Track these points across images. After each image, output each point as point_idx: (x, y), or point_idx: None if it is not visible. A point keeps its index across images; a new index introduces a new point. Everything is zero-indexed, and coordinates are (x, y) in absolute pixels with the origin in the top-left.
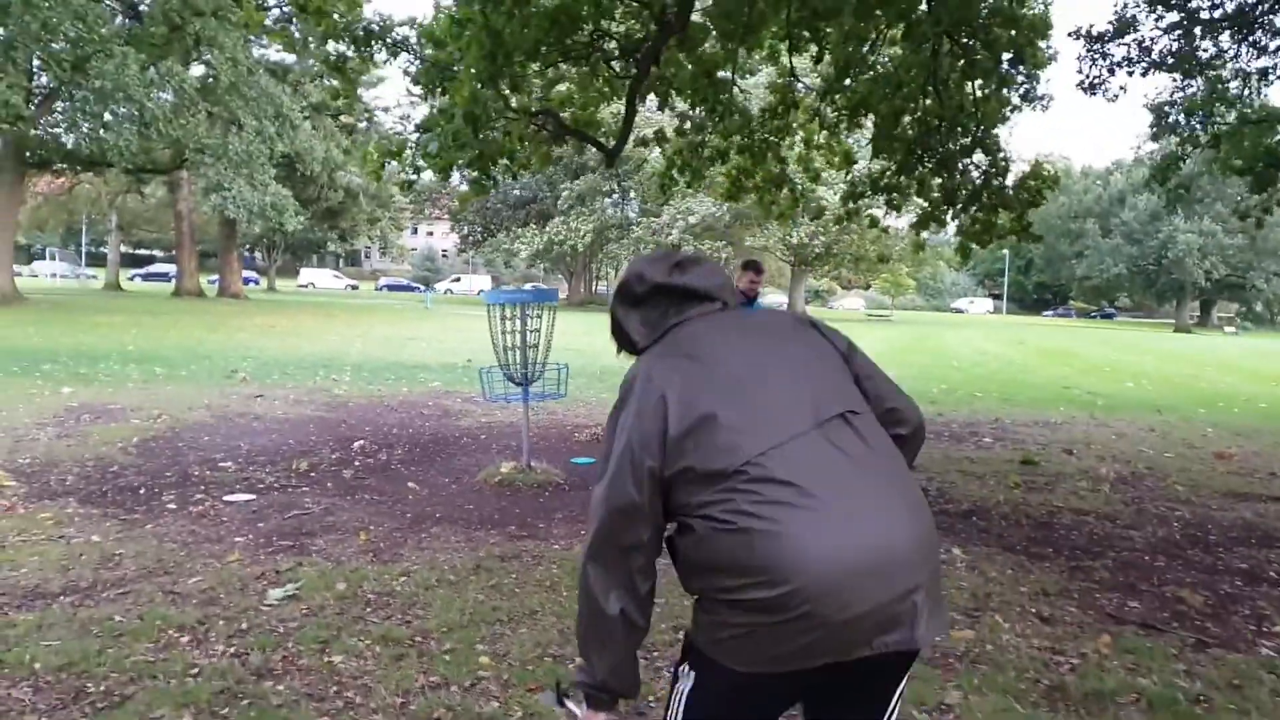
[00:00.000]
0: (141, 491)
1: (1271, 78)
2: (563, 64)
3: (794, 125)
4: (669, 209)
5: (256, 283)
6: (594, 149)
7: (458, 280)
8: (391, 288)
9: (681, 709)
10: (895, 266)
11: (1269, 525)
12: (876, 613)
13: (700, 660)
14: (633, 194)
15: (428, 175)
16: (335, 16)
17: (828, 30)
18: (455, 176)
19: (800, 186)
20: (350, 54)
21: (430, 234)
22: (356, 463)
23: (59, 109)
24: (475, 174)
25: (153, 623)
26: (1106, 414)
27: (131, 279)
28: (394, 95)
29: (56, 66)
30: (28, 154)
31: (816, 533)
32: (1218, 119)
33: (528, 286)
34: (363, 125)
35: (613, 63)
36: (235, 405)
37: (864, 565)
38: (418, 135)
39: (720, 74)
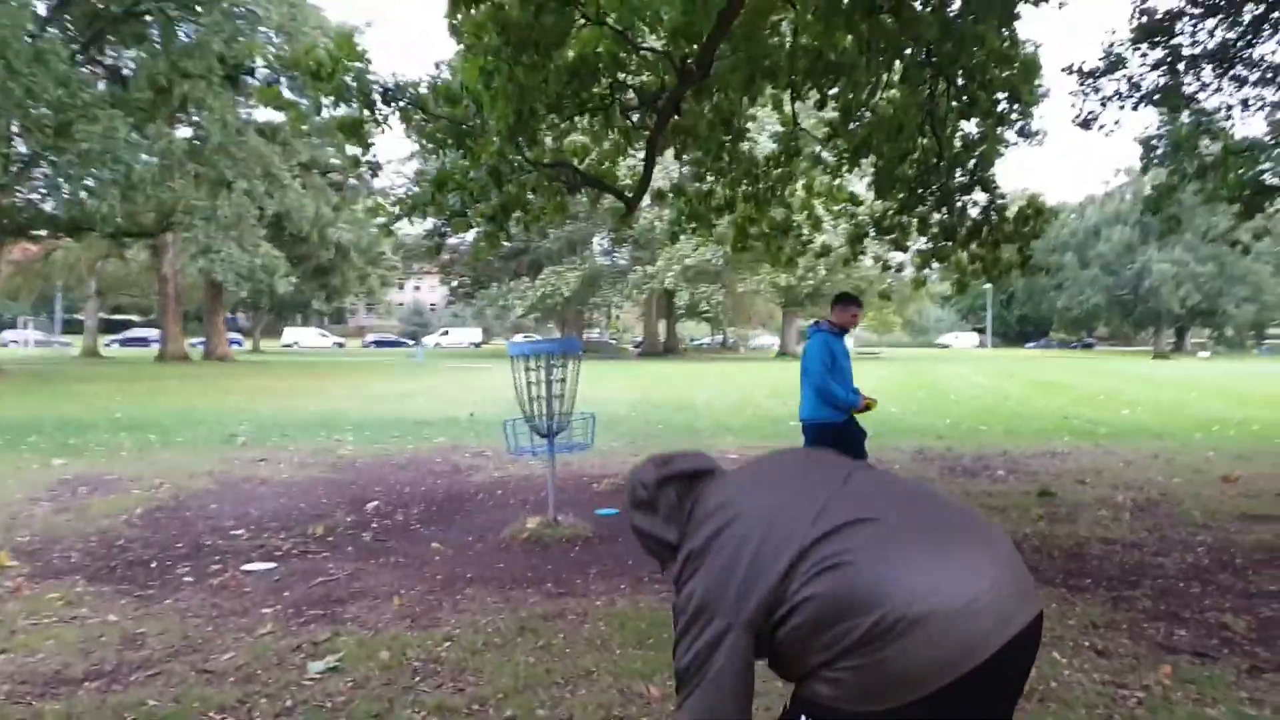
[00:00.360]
0: (153, 565)
1: (1252, 108)
2: (579, 117)
3: (796, 173)
4: (663, 255)
5: (240, 344)
6: (610, 199)
7: (446, 333)
8: (379, 344)
9: None
10: (882, 305)
11: None
12: None
13: None
14: (625, 242)
15: (415, 229)
16: (347, 79)
17: (831, 77)
18: (469, 232)
19: (805, 233)
20: (365, 114)
21: (417, 288)
22: (374, 524)
23: (38, 175)
24: (490, 228)
25: (190, 705)
26: (1110, 442)
27: (109, 345)
28: (384, 151)
29: (39, 132)
30: (4, 221)
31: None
32: (1202, 150)
33: (539, 338)
34: (351, 182)
35: (629, 114)
36: (239, 470)
37: None
38: (428, 192)
39: (736, 123)
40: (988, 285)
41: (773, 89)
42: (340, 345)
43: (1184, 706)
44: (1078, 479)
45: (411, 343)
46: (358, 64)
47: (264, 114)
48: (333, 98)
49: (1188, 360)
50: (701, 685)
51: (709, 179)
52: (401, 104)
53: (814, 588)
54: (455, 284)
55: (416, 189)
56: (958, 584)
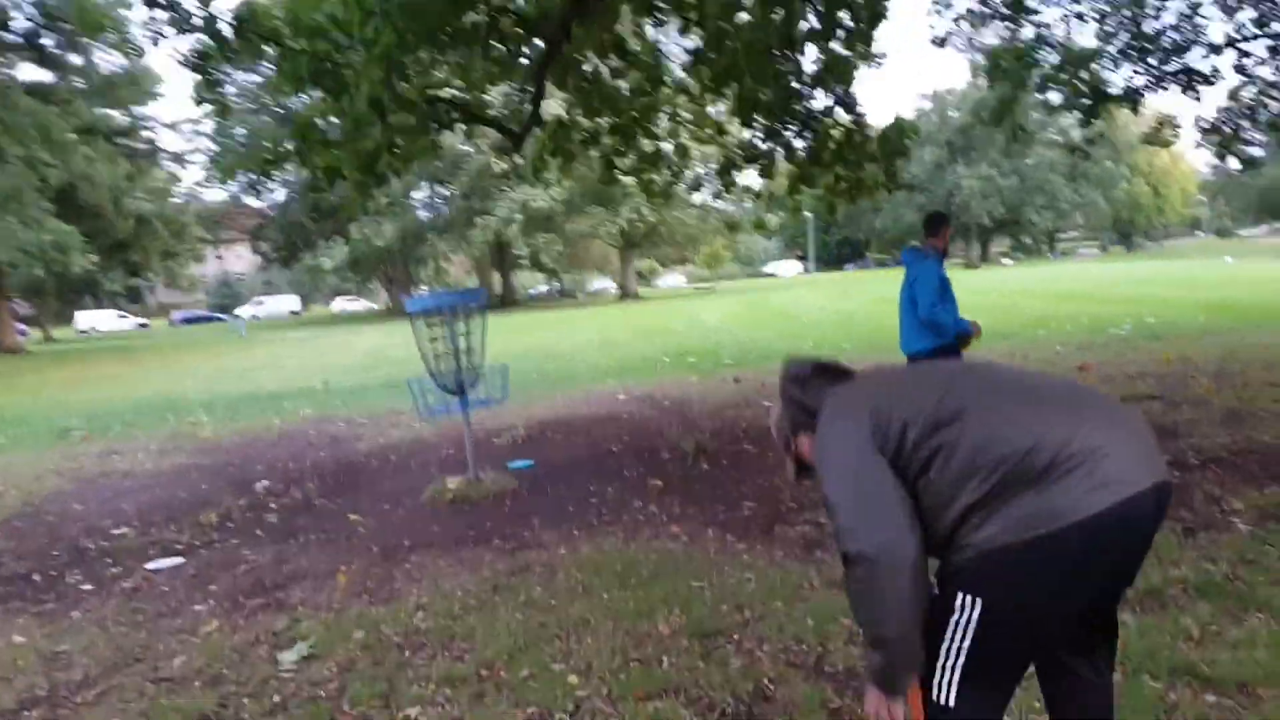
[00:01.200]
0: (35, 578)
1: (1087, 20)
2: (452, 48)
3: (660, 102)
4: (503, 204)
5: (25, 334)
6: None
7: (261, 303)
8: (189, 320)
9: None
10: (715, 240)
11: (1168, 421)
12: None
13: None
14: (454, 189)
15: (218, 194)
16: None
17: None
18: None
19: (675, 164)
20: (212, 46)
21: (219, 258)
22: (272, 505)
23: None
24: (361, 176)
25: (166, 718)
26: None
27: None
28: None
29: None
30: None
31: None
32: (1042, 62)
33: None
34: (143, 146)
35: (507, 43)
36: (90, 466)
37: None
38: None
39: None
40: (808, 213)
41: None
42: (144, 326)
43: (1157, 570)
44: None
45: (225, 317)
46: None
47: (32, 72)
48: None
49: (995, 268)
50: (868, 509)
51: (571, 111)
52: (250, 37)
53: (953, 434)
54: (267, 250)
55: (217, 148)
56: (1099, 433)
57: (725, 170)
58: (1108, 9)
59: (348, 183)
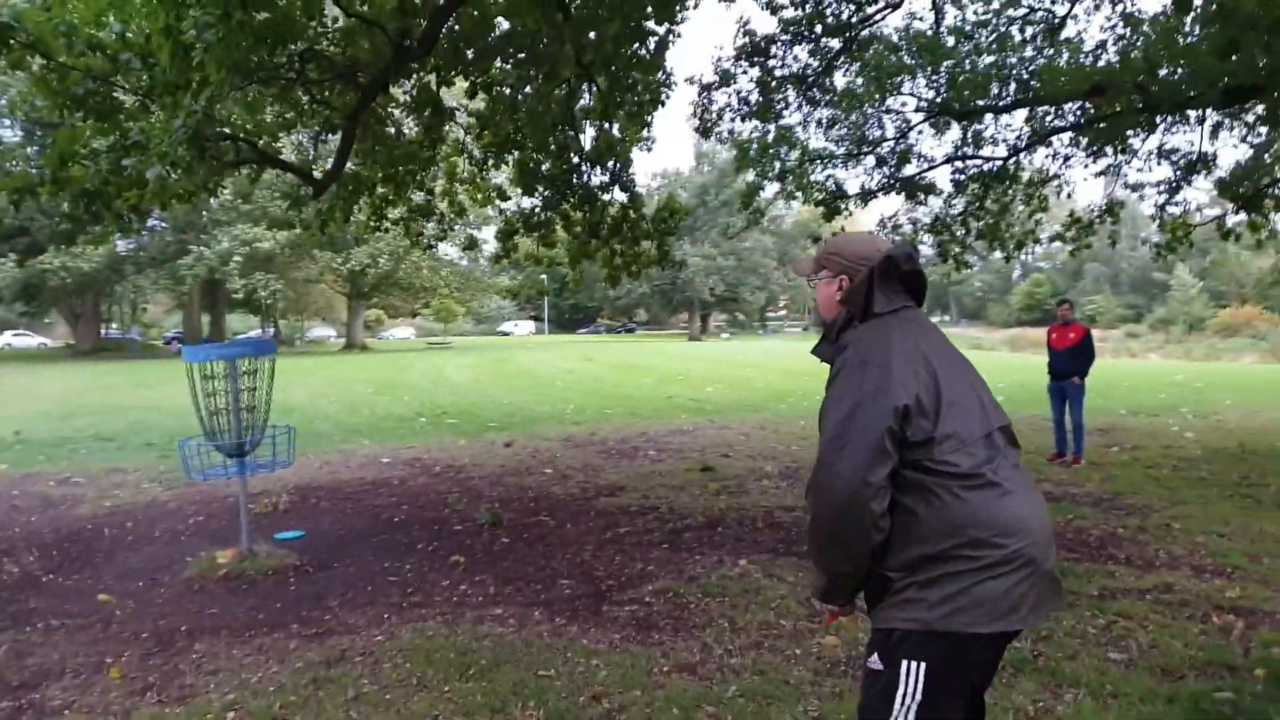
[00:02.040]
0: None
1: (836, 130)
2: (254, 86)
3: (439, 159)
4: (226, 235)
5: None
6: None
7: None
8: None
9: (917, 702)
10: (445, 296)
11: None
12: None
13: (926, 644)
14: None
15: None
16: None
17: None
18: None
19: (448, 218)
20: None
21: None
22: None
23: None
24: (125, 208)
25: None
26: (722, 418)
27: None
28: None
29: None
30: None
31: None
32: (782, 156)
33: (252, 335)
34: None
35: (311, 87)
36: None
37: (1046, 537)
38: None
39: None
40: (543, 275)
41: (470, 73)
42: None
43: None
44: (720, 453)
45: None
46: None
47: None
48: None
49: (715, 341)
50: (850, 440)
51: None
52: (19, 41)
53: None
54: None
55: None
56: (1042, 536)
57: (507, 235)
58: (838, 116)
59: (108, 214)
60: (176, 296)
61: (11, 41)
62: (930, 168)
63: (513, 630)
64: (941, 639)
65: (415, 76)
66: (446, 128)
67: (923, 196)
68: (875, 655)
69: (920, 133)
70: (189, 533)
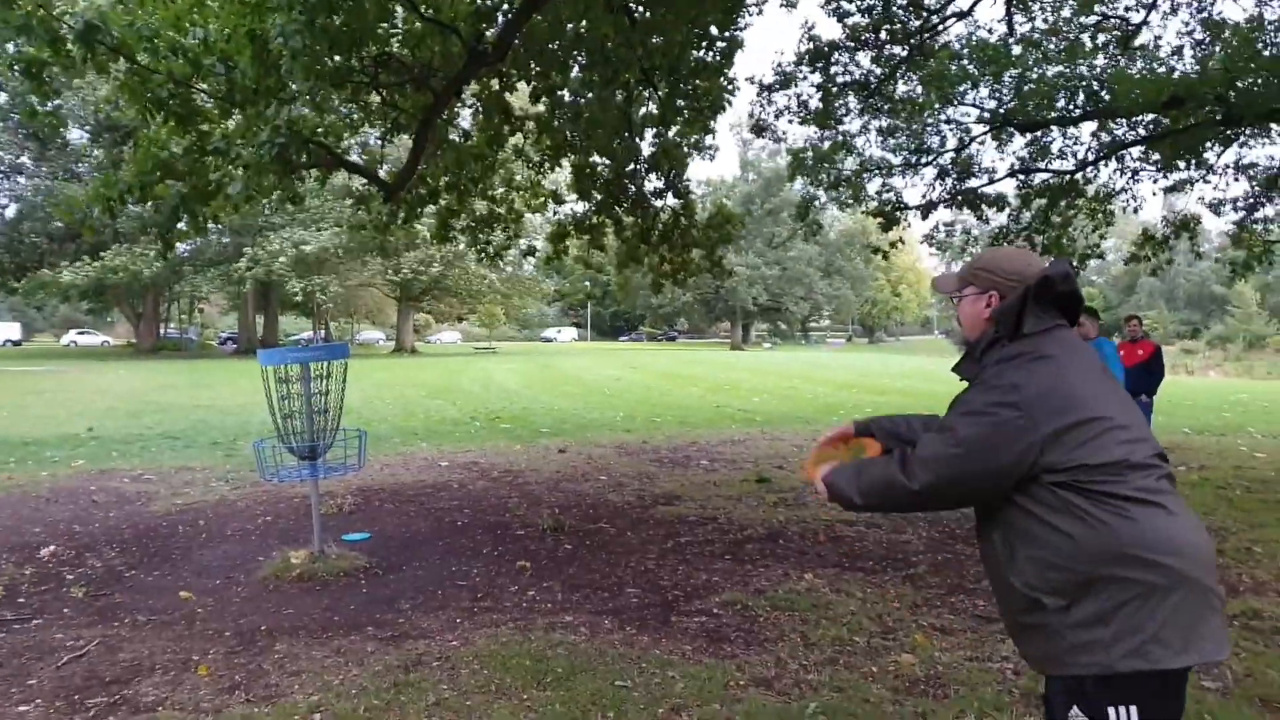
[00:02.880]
0: None
1: (894, 139)
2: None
3: (498, 164)
4: (278, 237)
5: None
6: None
7: None
8: None
9: None
10: (493, 302)
11: None
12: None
13: (1129, 686)
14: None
15: None
16: (30, 8)
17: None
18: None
19: (510, 229)
20: (48, 56)
21: None
22: (68, 576)
23: None
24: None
25: None
26: (772, 428)
27: None
28: None
29: None
30: None
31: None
32: (839, 164)
33: (302, 338)
34: None
35: (381, 90)
36: None
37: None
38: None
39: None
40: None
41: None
42: None
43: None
44: (774, 464)
45: None
46: None
47: None
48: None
49: (758, 351)
50: (966, 449)
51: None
52: (106, 46)
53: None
54: None
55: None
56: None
57: (559, 238)
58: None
59: (190, 221)
60: (231, 298)
61: (98, 44)
62: (991, 181)
63: (585, 638)
64: (1151, 678)
65: (481, 81)
66: (508, 132)
67: (984, 210)
68: (1075, 708)
69: (982, 144)
70: (258, 532)
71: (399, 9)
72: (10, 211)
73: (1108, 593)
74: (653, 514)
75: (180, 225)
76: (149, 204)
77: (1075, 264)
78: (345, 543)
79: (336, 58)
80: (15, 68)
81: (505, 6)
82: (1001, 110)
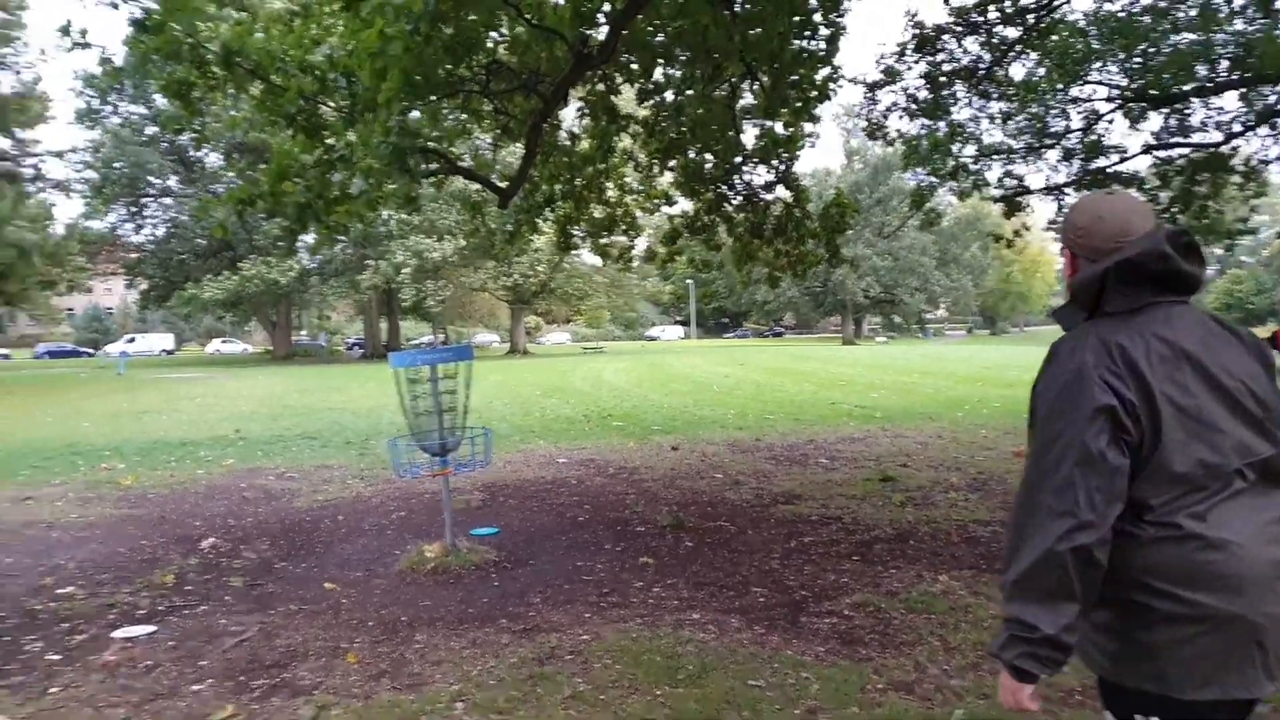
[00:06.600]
0: None
1: (997, 121)
2: (443, 98)
3: (611, 170)
4: (400, 247)
5: None
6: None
7: (133, 340)
8: (53, 354)
9: None
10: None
11: None
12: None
13: (1146, 702)
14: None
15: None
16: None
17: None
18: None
19: (627, 233)
20: (194, 78)
21: (89, 290)
22: (225, 566)
23: None
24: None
25: None
26: (893, 425)
27: None
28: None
29: None
30: None
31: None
32: (955, 153)
33: (423, 341)
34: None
35: (493, 97)
36: (10, 515)
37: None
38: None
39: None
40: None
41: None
42: (6, 357)
43: None
44: (898, 462)
45: (93, 352)
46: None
47: None
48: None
49: (870, 345)
50: (1080, 471)
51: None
52: (244, 67)
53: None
54: (146, 287)
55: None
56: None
57: (672, 239)
58: (1013, 109)
59: (319, 226)
60: (357, 305)
61: (236, 65)
62: (1123, 159)
63: (714, 636)
64: (1171, 702)
65: (587, 85)
66: (615, 133)
67: (1117, 190)
68: (1107, 713)
69: (1111, 122)
70: (393, 527)
71: (504, 17)
72: (160, 231)
73: (1129, 616)
74: (773, 513)
75: (309, 235)
76: (277, 214)
77: (1226, 241)
78: (474, 537)
79: (448, 68)
80: (166, 90)
81: (606, 7)
82: (1133, 86)
